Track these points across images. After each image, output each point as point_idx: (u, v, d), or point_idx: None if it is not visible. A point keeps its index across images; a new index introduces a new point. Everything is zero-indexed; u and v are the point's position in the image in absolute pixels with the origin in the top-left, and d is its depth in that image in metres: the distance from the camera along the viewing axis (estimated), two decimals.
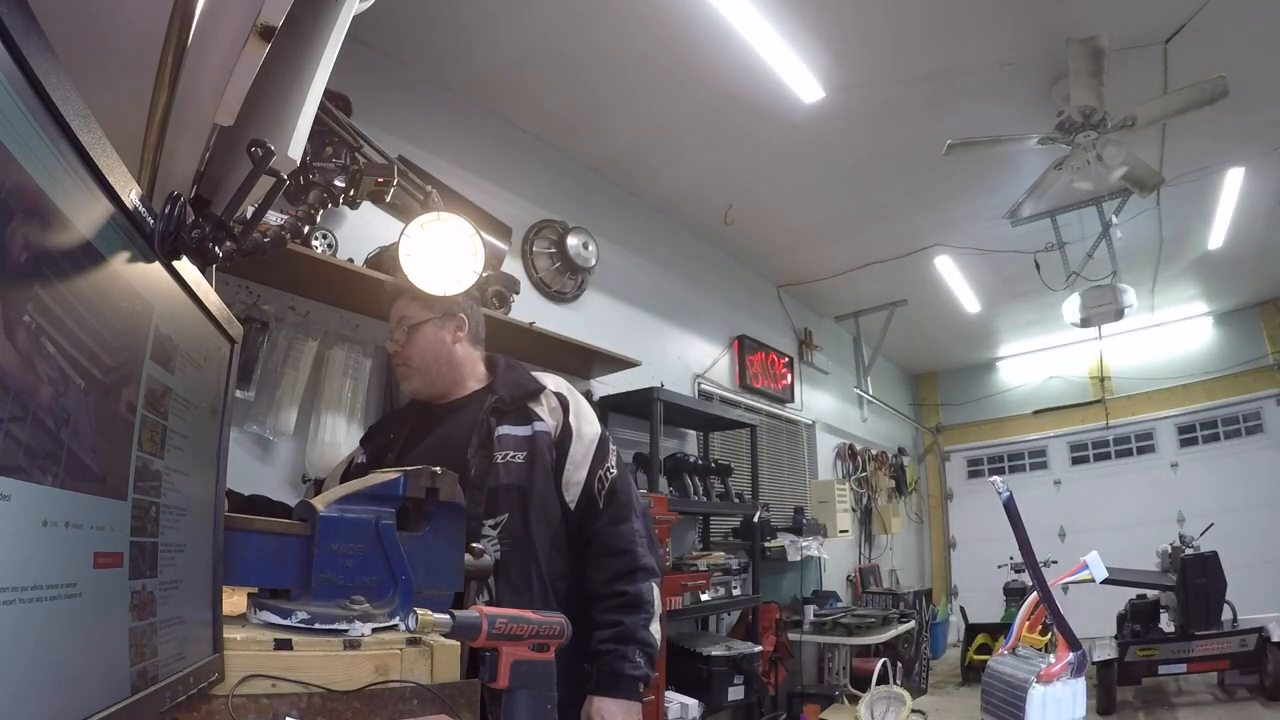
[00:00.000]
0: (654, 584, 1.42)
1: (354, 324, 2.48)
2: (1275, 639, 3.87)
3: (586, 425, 1.51)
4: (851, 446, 6.25)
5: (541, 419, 1.47)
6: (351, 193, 1.42)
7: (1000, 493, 0.47)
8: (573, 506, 1.46)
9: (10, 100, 0.43)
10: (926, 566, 7.78)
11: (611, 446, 1.52)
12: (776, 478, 5.10)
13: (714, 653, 3.23)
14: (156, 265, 0.67)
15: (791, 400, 5.33)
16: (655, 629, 1.39)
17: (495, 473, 1.40)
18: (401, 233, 1.46)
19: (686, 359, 4.31)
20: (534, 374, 1.57)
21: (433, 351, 1.55)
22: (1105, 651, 4.15)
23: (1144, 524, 6.28)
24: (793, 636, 4.32)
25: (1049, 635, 0.42)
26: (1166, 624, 4.39)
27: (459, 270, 1.46)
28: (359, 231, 2.48)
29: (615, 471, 1.48)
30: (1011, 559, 5.47)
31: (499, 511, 1.39)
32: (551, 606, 1.35)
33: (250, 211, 0.89)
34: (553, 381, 1.56)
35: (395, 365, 1.58)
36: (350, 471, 1.60)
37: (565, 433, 1.47)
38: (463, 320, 1.60)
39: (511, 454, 1.42)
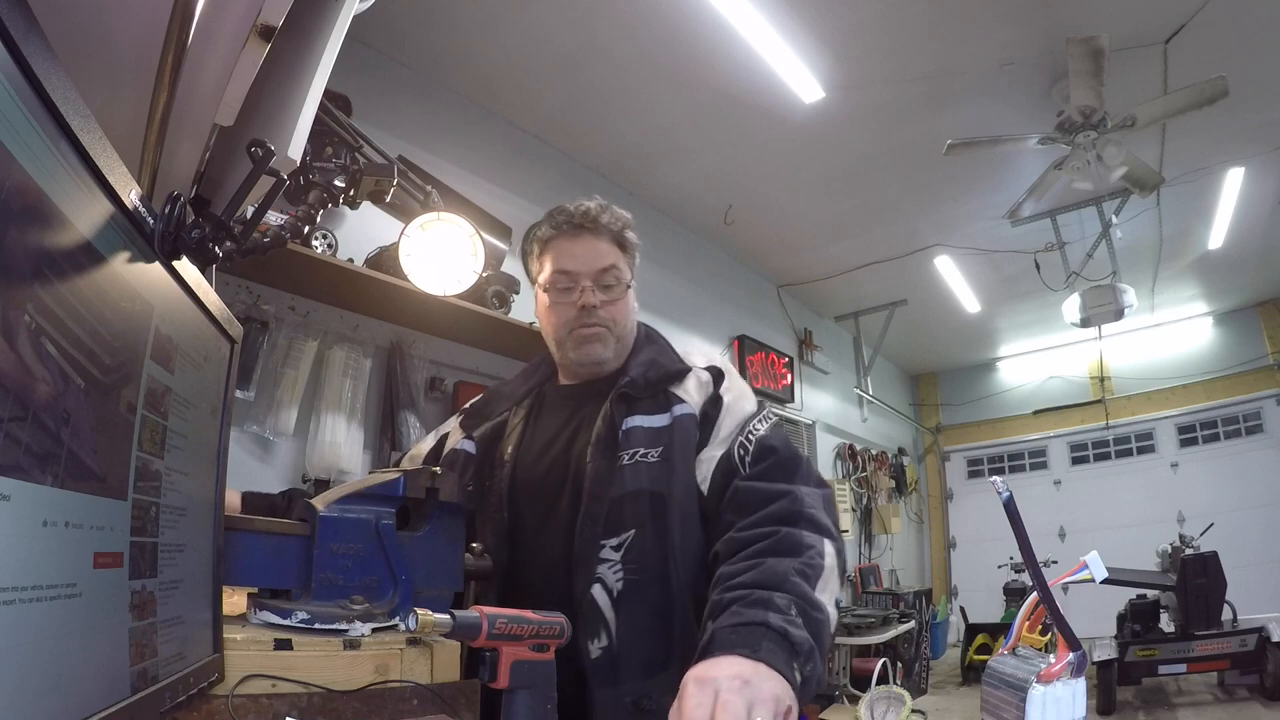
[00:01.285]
0: (829, 543, 0.95)
1: (354, 324, 2.48)
2: (1275, 639, 3.87)
3: (742, 401, 1.14)
4: (851, 446, 6.25)
5: (683, 400, 1.12)
6: (351, 193, 1.42)
7: (1000, 493, 0.47)
8: (705, 488, 1.06)
9: (10, 100, 0.43)
10: (926, 566, 7.78)
11: (769, 414, 1.14)
12: None
13: None
14: (156, 265, 0.67)
15: (791, 400, 5.33)
16: (827, 598, 0.89)
17: (620, 476, 1.06)
18: (401, 233, 1.46)
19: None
20: (682, 352, 1.22)
21: (633, 321, 1.23)
22: (1105, 651, 4.15)
23: (1144, 524, 6.28)
24: None
25: (1049, 635, 0.42)
26: (1166, 624, 4.39)
27: (459, 270, 1.46)
28: (359, 231, 2.48)
29: (763, 429, 1.09)
30: (1011, 559, 5.47)
31: (624, 527, 1.04)
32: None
33: (250, 211, 0.89)
34: (703, 358, 1.20)
35: (583, 325, 1.16)
36: (444, 459, 1.28)
37: (713, 405, 1.12)
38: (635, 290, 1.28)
39: (643, 451, 1.07)
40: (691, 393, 1.13)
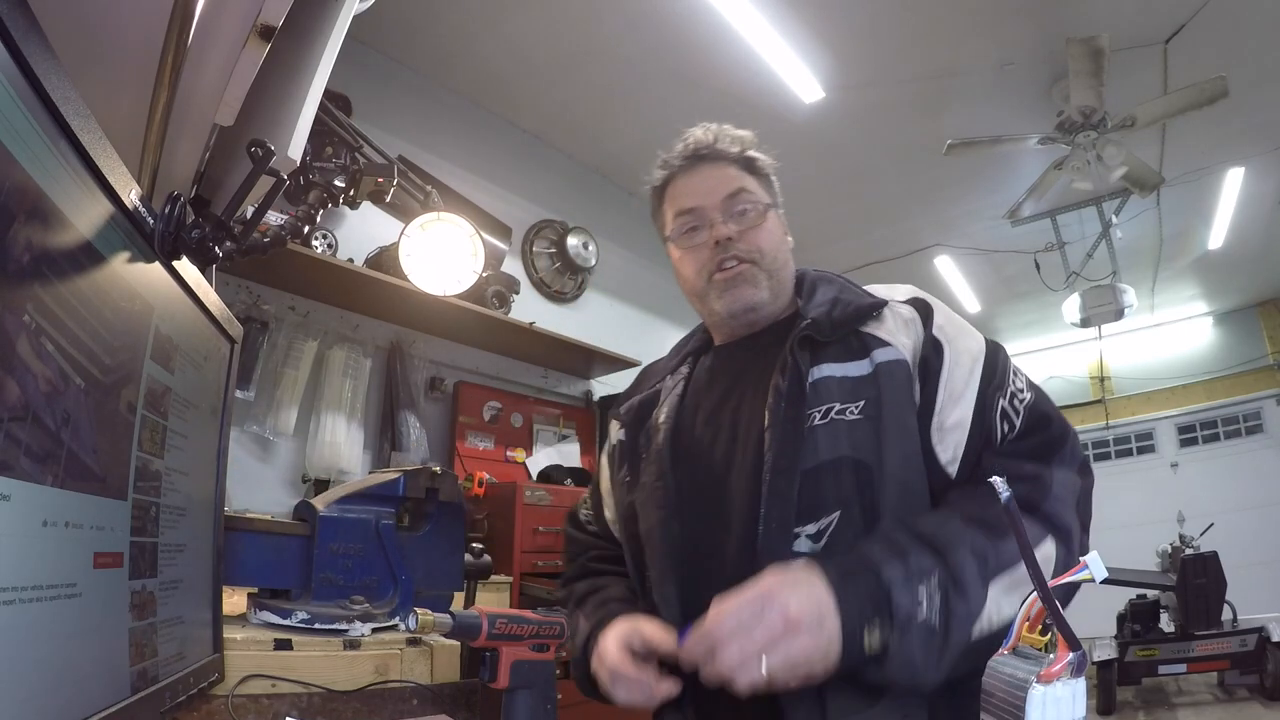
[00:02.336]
0: (1054, 544, 0.75)
1: (354, 324, 2.48)
2: (1275, 639, 3.87)
3: (964, 337, 0.88)
4: None
5: (887, 342, 0.86)
6: (351, 193, 1.42)
7: (1000, 493, 0.47)
8: (953, 469, 0.82)
9: (10, 100, 0.43)
10: None
11: (1014, 365, 0.89)
12: None
13: None
14: (156, 265, 0.67)
15: None
16: (1001, 600, 0.71)
17: (811, 442, 0.81)
18: (401, 233, 1.46)
19: None
20: (868, 288, 0.96)
21: (785, 249, 0.99)
22: (1105, 651, 4.15)
23: (1144, 524, 6.28)
24: None
25: (1049, 635, 0.42)
26: (1166, 624, 4.39)
27: (459, 270, 1.46)
28: (359, 231, 2.48)
29: (1029, 395, 0.85)
30: None
31: (823, 509, 0.80)
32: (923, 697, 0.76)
33: (250, 211, 0.89)
34: (902, 290, 0.95)
35: (722, 266, 0.94)
36: (613, 457, 1.05)
37: (932, 349, 0.85)
38: (783, 217, 1.04)
39: (839, 407, 0.83)
40: (895, 333, 0.87)
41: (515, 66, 3.01)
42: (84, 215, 0.53)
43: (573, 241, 3.41)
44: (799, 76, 3.03)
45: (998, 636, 0.68)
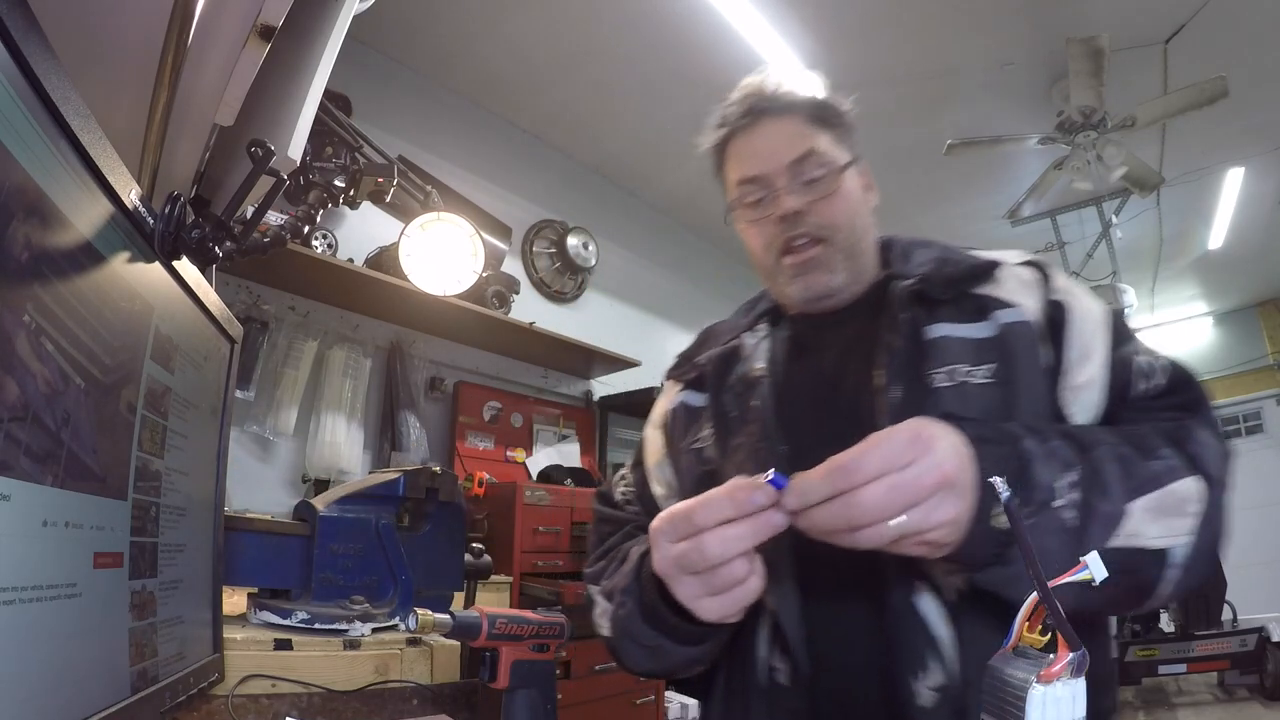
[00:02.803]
0: (1198, 483, 0.64)
1: (354, 324, 2.48)
2: (1275, 639, 3.87)
3: (1087, 297, 0.80)
4: None
5: (1008, 303, 0.76)
6: (351, 193, 1.42)
7: (1001, 493, 0.47)
8: (1085, 419, 0.74)
9: (10, 100, 0.43)
10: None
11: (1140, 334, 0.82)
12: None
13: None
14: (156, 265, 0.67)
15: None
16: (1141, 517, 0.61)
17: (936, 404, 0.70)
18: (401, 233, 1.46)
19: None
20: (973, 251, 0.86)
21: (864, 214, 0.87)
22: None
23: None
24: None
25: (1049, 635, 0.42)
26: (1166, 624, 4.40)
27: (459, 270, 1.46)
28: (359, 231, 2.48)
29: (1168, 356, 0.79)
30: None
31: None
32: None
33: (250, 211, 0.89)
34: (1015, 254, 0.84)
35: (792, 248, 0.82)
36: (666, 425, 0.93)
37: (1057, 311, 0.76)
38: (867, 168, 0.91)
39: (966, 369, 0.73)
40: (1017, 294, 0.77)
41: (515, 66, 3.01)
42: (84, 215, 0.53)
43: (573, 241, 3.42)
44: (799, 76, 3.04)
45: (1134, 559, 0.60)
